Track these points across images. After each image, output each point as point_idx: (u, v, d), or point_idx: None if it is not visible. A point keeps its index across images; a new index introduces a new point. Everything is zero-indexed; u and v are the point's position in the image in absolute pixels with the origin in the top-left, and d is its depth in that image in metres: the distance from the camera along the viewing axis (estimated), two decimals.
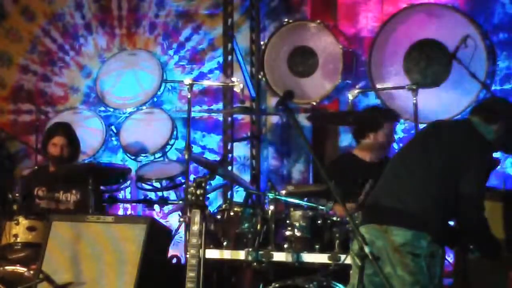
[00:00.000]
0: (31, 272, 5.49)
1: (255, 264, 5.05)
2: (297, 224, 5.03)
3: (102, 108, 7.64)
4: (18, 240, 5.75)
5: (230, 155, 7.25)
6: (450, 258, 5.12)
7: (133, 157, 7.28)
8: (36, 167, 6.98)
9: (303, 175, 7.27)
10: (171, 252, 6.07)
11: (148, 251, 5.32)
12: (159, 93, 7.46)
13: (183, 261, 6.04)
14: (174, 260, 6.13)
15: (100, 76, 7.62)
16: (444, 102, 6.51)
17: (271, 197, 5.10)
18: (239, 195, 7.00)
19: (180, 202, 6.81)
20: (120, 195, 7.20)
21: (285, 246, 5.03)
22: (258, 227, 5.08)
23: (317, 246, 5.02)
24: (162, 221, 6.97)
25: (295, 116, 4.09)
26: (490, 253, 4.51)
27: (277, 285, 5.05)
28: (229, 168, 7.14)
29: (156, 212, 7.25)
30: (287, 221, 5.06)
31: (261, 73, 7.04)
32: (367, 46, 6.88)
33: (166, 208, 7.10)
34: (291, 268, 5.06)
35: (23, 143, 7.54)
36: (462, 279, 5.16)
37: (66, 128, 6.47)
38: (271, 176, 7.23)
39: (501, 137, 4.46)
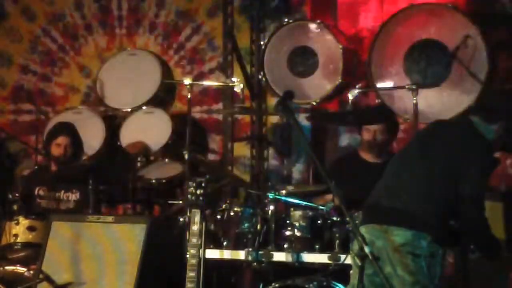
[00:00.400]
0: (31, 272, 5.49)
1: (255, 264, 5.06)
2: (297, 224, 5.03)
3: (102, 108, 7.63)
4: (18, 240, 5.75)
5: (230, 155, 7.25)
6: (450, 258, 5.12)
7: (133, 157, 7.27)
8: (36, 167, 6.98)
9: (303, 175, 7.27)
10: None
11: (148, 251, 5.32)
12: (159, 93, 7.45)
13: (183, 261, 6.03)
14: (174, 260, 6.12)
15: (100, 76, 7.61)
16: (444, 102, 6.51)
17: (271, 197, 5.10)
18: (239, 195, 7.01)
19: (180, 202, 6.81)
20: (120, 195, 7.19)
21: (285, 246, 5.04)
22: (258, 227, 5.08)
23: (317, 246, 5.02)
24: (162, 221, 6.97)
25: (295, 116, 4.08)
26: (491, 253, 4.51)
27: (277, 285, 5.05)
28: (229, 168, 7.13)
29: (156, 212, 7.24)
30: (287, 221, 5.07)
31: (261, 73, 7.04)
32: (367, 46, 6.87)
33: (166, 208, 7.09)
34: (291, 268, 5.06)
35: (23, 143, 7.54)
36: (462, 279, 5.16)
37: (70, 128, 6.47)
38: (271, 176, 7.23)
39: (501, 136, 4.46)
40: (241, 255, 5.08)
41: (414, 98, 6.02)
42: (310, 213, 5.06)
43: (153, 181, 6.92)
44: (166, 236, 5.89)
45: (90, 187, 5.82)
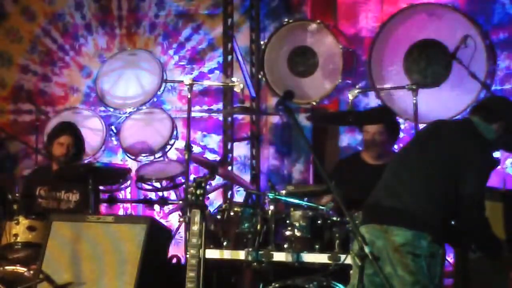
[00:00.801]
0: (31, 272, 5.49)
1: (255, 264, 5.05)
2: (297, 224, 5.03)
3: (102, 108, 7.63)
4: (18, 240, 5.75)
5: (230, 155, 7.25)
6: (450, 258, 5.12)
7: (133, 157, 7.28)
8: (37, 167, 6.98)
9: (303, 175, 7.27)
10: (171, 252, 6.07)
11: (148, 251, 5.32)
12: (159, 93, 7.45)
13: (183, 261, 6.04)
14: (174, 260, 6.13)
15: (100, 76, 7.61)
16: (444, 102, 6.51)
17: (271, 197, 5.10)
18: (239, 195, 7.01)
19: (180, 202, 6.81)
20: (120, 195, 7.20)
21: (285, 246, 5.03)
22: (258, 227, 5.08)
23: (317, 246, 5.02)
24: (162, 221, 6.97)
25: (295, 116, 4.08)
26: (492, 252, 4.50)
27: (277, 285, 5.05)
28: (229, 168, 7.14)
29: (156, 212, 7.25)
30: (287, 221, 5.06)
31: (261, 73, 7.04)
32: (367, 46, 6.88)
33: (166, 208, 7.10)
34: (291, 268, 5.06)
35: (23, 143, 7.54)
36: (462, 279, 5.16)
37: (72, 127, 6.48)
38: (271, 176, 7.23)
39: (501, 136, 4.45)
40: (241, 255, 5.08)
41: (414, 98, 6.02)
42: (310, 213, 5.06)
43: (153, 181, 6.93)
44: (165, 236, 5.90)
45: (90, 187, 5.82)
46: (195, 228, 4.65)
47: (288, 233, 5.04)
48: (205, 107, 7.53)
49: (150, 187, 6.99)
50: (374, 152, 5.86)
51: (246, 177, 7.14)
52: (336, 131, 7.16)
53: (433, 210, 4.26)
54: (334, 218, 5.04)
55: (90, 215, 5.63)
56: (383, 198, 4.39)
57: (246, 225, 5.12)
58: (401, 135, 6.76)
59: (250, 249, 5.03)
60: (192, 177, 6.37)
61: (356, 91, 6.15)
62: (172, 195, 7.13)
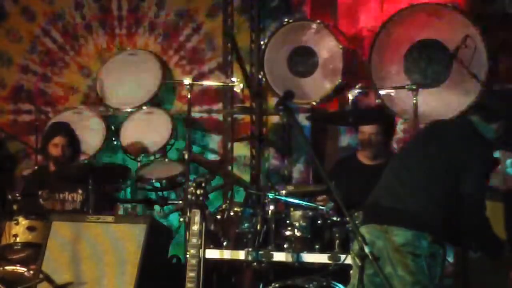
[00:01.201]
0: (31, 272, 5.49)
1: (255, 264, 5.06)
2: (297, 224, 5.03)
3: (102, 108, 7.63)
4: (18, 240, 5.75)
5: (230, 155, 7.24)
6: (450, 258, 5.12)
7: (133, 157, 7.28)
8: (36, 167, 6.97)
9: (303, 175, 7.27)
10: (171, 252, 6.07)
11: (148, 251, 5.32)
12: (159, 93, 7.45)
13: (183, 261, 6.04)
14: (174, 260, 6.13)
15: (100, 76, 7.61)
16: (444, 102, 6.51)
17: (271, 197, 5.10)
18: (239, 195, 7.00)
19: (180, 202, 6.81)
20: (120, 195, 7.19)
21: (285, 246, 5.04)
22: (258, 227, 5.08)
23: (317, 246, 5.02)
24: (162, 221, 6.97)
25: (295, 116, 4.08)
26: (493, 252, 4.50)
27: (277, 285, 5.05)
28: (229, 168, 7.13)
29: (156, 212, 7.24)
30: (287, 221, 5.07)
31: (261, 73, 7.04)
32: (367, 46, 6.87)
33: (166, 208, 7.09)
34: (291, 268, 5.06)
35: (23, 143, 7.54)
36: (462, 279, 5.16)
37: (66, 128, 6.47)
38: (271, 176, 7.23)
39: (501, 135, 4.45)
40: (241, 255, 5.08)
41: (414, 98, 6.02)
42: (310, 213, 5.06)
43: (153, 181, 6.92)
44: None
45: (90, 187, 5.82)
46: (195, 228, 4.65)
47: (288, 233, 5.04)
48: (205, 107, 7.52)
49: (150, 187, 6.99)
50: (370, 152, 5.86)
51: (246, 177, 7.13)
52: (336, 131, 7.16)
53: (433, 210, 4.26)
54: (334, 218, 5.04)
55: (90, 215, 5.63)
56: (383, 198, 4.39)
57: (246, 225, 5.12)
58: (401, 135, 6.78)
59: (250, 249, 5.03)
60: (192, 177, 6.37)
61: (356, 91, 6.15)
62: (172, 195, 7.13)
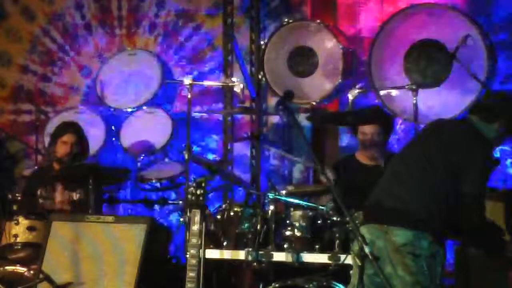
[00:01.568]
0: (31, 272, 5.48)
1: (255, 264, 5.06)
2: (297, 224, 5.03)
3: (102, 108, 7.63)
4: (18, 240, 5.74)
5: (230, 155, 7.25)
6: (450, 258, 5.12)
7: (133, 157, 7.28)
8: (38, 167, 6.97)
9: (303, 175, 7.27)
10: (171, 252, 6.07)
11: (148, 251, 5.32)
12: (159, 93, 7.45)
13: (183, 261, 6.04)
14: (174, 260, 6.13)
15: (100, 76, 7.62)
16: (444, 102, 6.51)
17: (271, 197, 5.10)
18: (239, 195, 7.01)
19: (180, 202, 6.81)
20: (120, 195, 7.20)
21: (285, 246, 5.04)
22: (258, 227, 5.08)
23: (317, 246, 5.02)
24: (162, 221, 6.97)
25: (295, 116, 4.09)
26: (493, 251, 4.50)
27: (277, 285, 5.05)
28: (229, 168, 7.13)
29: (156, 212, 7.25)
30: (287, 221, 5.07)
31: (261, 73, 7.04)
32: (367, 46, 6.87)
33: (166, 208, 7.10)
34: (291, 268, 5.06)
35: (23, 143, 7.54)
36: (463, 278, 5.16)
37: (76, 127, 6.47)
38: (271, 176, 7.23)
39: (503, 133, 4.45)
40: (241, 255, 5.08)
41: (414, 98, 6.02)
42: (310, 213, 5.06)
43: (153, 181, 6.93)
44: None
45: (91, 187, 5.81)
46: (195, 228, 4.65)
47: (288, 233, 5.04)
48: (205, 107, 7.53)
49: (150, 187, 6.99)
50: (372, 153, 5.85)
51: (246, 177, 7.14)
52: (336, 131, 7.16)
53: (434, 210, 4.26)
54: (334, 218, 5.04)
55: (90, 215, 5.62)
56: (383, 198, 4.39)
57: (246, 225, 5.12)
58: (401, 135, 6.78)
59: (250, 249, 5.03)
60: (192, 177, 6.37)
61: (356, 91, 6.16)
62: (172, 195, 7.13)
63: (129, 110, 7.46)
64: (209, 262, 4.92)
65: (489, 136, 4.42)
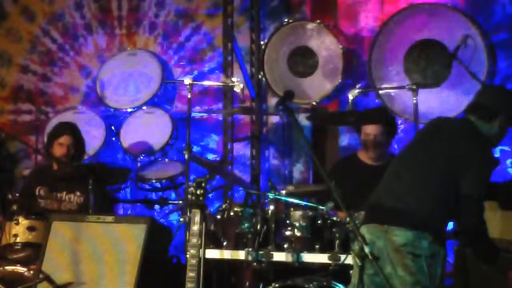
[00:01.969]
0: (31, 272, 5.49)
1: (255, 264, 5.05)
2: (297, 224, 5.03)
3: (102, 108, 7.63)
4: (18, 240, 5.74)
5: (230, 155, 7.25)
6: (450, 258, 5.12)
7: (133, 157, 7.28)
8: (37, 167, 6.97)
9: (303, 175, 7.27)
10: (171, 252, 6.07)
11: (148, 251, 5.32)
12: (159, 93, 7.45)
13: (183, 261, 6.04)
14: (174, 260, 6.13)
15: (100, 76, 7.62)
16: (444, 102, 6.51)
17: (271, 197, 5.10)
18: (239, 195, 7.01)
19: (180, 202, 6.81)
20: (120, 195, 7.20)
21: (285, 246, 5.03)
22: (258, 227, 5.08)
23: (317, 246, 5.01)
24: (162, 221, 6.97)
25: (295, 116, 4.08)
26: (486, 256, 4.49)
27: (277, 285, 5.05)
28: (229, 168, 7.13)
29: (156, 212, 7.25)
30: (287, 221, 5.06)
31: (261, 73, 7.04)
32: (367, 46, 6.88)
33: (166, 208, 7.09)
34: (291, 268, 5.06)
35: (23, 143, 7.53)
36: (462, 279, 5.16)
37: (72, 127, 6.47)
38: (271, 176, 7.23)
39: (503, 130, 4.44)
40: (241, 255, 5.07)
41: (414, 98, 6.02)
42: (310, 213, 5.06)
43: (153, 181, 6.93)
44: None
45: (90, 187, 5.81)
46: (195, 228, 4.65)
47: (288, 233, 5.04)
48: (205, 107, 7.53)
49: (150, 187, 6.99)
50: (374, 153, 5.85)
51: (246, 177, 7.14)
52: (336, 131, 7.16)
53: (434, 210, 4.26)
54: (334, 218, 5.04)
55: (90, 215, 5.62)
56: (384, 198, 4.39)
57: (246, 225, 5.12)
58: (401, 135, 6.78)
59: (250, 249, 5.03)
60: (192, 177, 6.37)
61: (356, 91, 6.15)
62: (172, 195, 7.13)
63: (129, 110, 7.47)
64: (209, 262, 4.92)
65: (489, 134, 4.41)
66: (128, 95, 7.51)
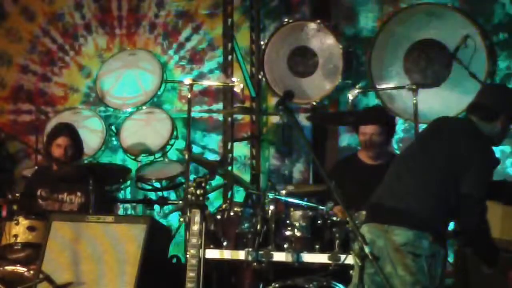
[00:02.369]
0: (31, 272, 5.49)
1: (255, 264, 5.05)
2: (297, 224, 5.03)
3: (102, 108, 7.63)
4: (18, 240, 5.74)
5: (230, 155, 7.25)
6: (450, 258, 5.12)
7: (133, 157, 7.28)
8: (38, 167, 6.97)
9: (303, 175, 7.27)
10: (171, 252, 6.07)
11: (148, 251, 5.32)
12: (159, 93, 7.45)
13: (183, 261, 6.04)
14: (174, 260, 6.13)
15: (100, 76, 7.62)
16: (444, 102, 6.51)
17: (271, 197, 5.10)
18: (239, 195, 7.00)
19: (180, 202, 6.81)
20: (120, 195, 7.20)
21: (285, 246, 5.03)
22: (258, 227, 5.08)
23: (317, 246, 5.02)
24: (162, 221, 6.97)
25: (295, 116, 4.09)
26: (486, 257, 4.48)
27: (277, 285, 5.05)
28: (229, 168, 7.13)
29: (156, 212, 7.24)
30: (287, 221, 5.06)
31: (261, 73, 7.04)
32: (367, 46, 6.87)
33: (166, 208, 7.09)
34: (291, 268, 5.06)
35: (23, 143, 7.53)
36: (462, 279, 5.16)
37: (70, 128, 6.47)
38: (271, 176, 7.23)
39: (505, 128, 4.43)
40: (241, 255, 5.08)
41: (414, 98, 6.02)
42: (310, 213, 5.06)
43: (153, 181, 6.92)
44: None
45: (91, 187, 5.81)
46: (195, 228, 4.65)
47: (288, 233, 5.04)
48: (205, 107, 7.53)
49: (150, 187, 6.99)
50: (372, 153, 5.86)
51: (246, 177, 7.14)
52: (336, 131, 7.16)
53: (434, 210, 4.26)
54: (334, 218, 5.04)
55: (90, 215, 5.62)
56: (385, 198, 4.39)
57: (246, 225, 5.12)
58: (401, 135, 6.78)
59: (250, 249, 5.03)
60: (192, 177, 6.37)
61: (356, 91, 6.15)
62: (172, 195, 7.13)
63: (129, 110, 7.46)
64: (209, 262, 4.92)
65: (491, 134, 4.41)
66: (128, 95, 7.51)
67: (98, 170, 6.04)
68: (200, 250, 4.63)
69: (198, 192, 4.68)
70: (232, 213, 5.20)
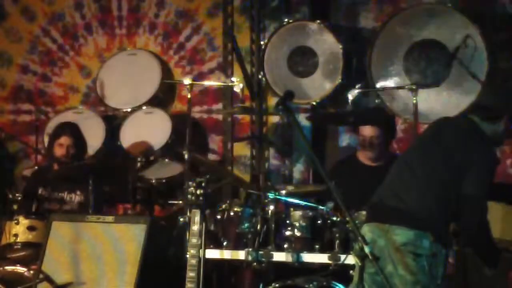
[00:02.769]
0: (31, 272, 5.49)
1: (255, 264, 5.06)
2: (297, 224, 5.03)
3: (102, 108, 7.63)
4: (18, 240, 5.75)
5: (230, 155, 7.25)
6: (450, 258, 5.11)
7: (133, 157, 7.27)
8: (38, 167, 6.97)
9: (303, 175, 7.27)
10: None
11: (148, 251, 5.32)
12: (159, 93, 7.45)
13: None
14: (174, 260, 6.13)
15: (100, 76, 7.61)
16: (444, 102, 6.51)
17: (271, 197, 5.10)
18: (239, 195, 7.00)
19: (180, 202, 6.81)
20: (120, 195, 7.19)
21: (285, 246, 5.04)
22: (258, 227, 5.08)
23: (317, 246, 5.02)
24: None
25: (295, 116, 4.08)
26: (487, 257, 4.48)
27: (277, 285, 5.05)
28: (229, 168, 7.13)
29: (156, 212, 7.24)
30: (287, 221, 5.07)
31: (261, 73, 7.04)
32: (367, 46, 6.87)
33: (166, 208, 7.09)
34: (291, 268, 5.06)
35: (23, 143, 7.54)
36: (462, 279, 5.16)
37: (73, 128, 6.47)
38: (271, 176, 7.23)
39: (504, 130, 4.43)
40: (241, 255, 5.08)
41: (414, 98, 6.02)
42: (310, 213, 5.06)
43: (153, 181, 6.92)
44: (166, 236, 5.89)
45: (91, 187, 5.82)
46: (195, 228, 4.65)
47: (288, 233, 5.04)
48: (205, 107, 7.52)
49: (150, 187, 6.98)
50: (371, 154, 5.86)
51: (246, 177, 7.14)
52: (336, 131, 7.16)
53: (435, 210, 4.26)
54: (334, 218, 5.04)
55: (90, 215, 5.62)
56: (386, 198, 4.39)
57: (246, 225, 5.12)
58: (401, 135, 6.77)
59: (250, 249, 5.03)
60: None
61: (356, 91, 6.15)
62: (172, 195, 7.12)
63: (129, 110, 7.46)
64: (209, 262, 4.92)
65: (494, 135, 4.41)
66: (128, 95, 7.51)
67: (98, 170, 6.04)
68: (200, 250, 4.63)
69: (198, 192, 4.68)
70: (232, 213, 5.20)
